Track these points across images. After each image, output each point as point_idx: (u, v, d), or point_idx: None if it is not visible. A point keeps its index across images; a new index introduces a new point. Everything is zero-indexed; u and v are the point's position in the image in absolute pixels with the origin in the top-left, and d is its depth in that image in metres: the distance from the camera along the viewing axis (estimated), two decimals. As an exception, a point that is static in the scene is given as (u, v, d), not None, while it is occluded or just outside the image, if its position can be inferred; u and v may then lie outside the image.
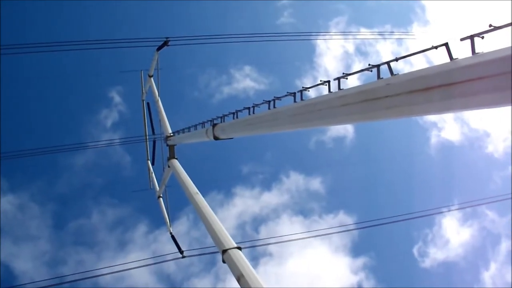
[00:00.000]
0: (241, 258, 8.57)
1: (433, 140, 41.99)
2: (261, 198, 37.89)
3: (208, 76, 39.88)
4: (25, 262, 30.33)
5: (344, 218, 36.59)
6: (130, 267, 16.86)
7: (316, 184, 38.63)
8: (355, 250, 36.15)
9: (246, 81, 39.21)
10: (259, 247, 21.05)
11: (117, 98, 35.18)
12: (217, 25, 40.94)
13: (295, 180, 38.47)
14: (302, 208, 38.14)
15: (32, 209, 32.50)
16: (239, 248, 8.93)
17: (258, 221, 36.67)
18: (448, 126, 41.74)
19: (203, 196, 11.56)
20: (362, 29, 41.92)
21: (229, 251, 8.81)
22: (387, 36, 28.16)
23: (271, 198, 37.91)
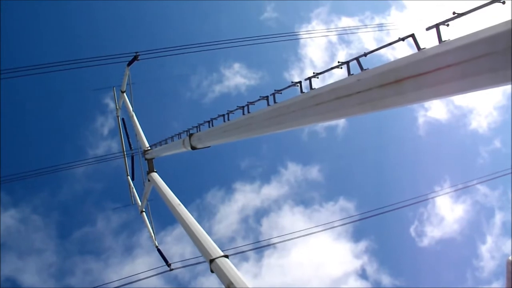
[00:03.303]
0: (229, 266, 8.50)
1: (421, 120, 42.82)
2: (262, 191, 38.03)
3: (199, 77, 39.97)
4: (32, 276, 29.79)
5: (344, 203, 36.98)
6: (119, 285, 16.55)
7: (314, 172, 38.97)
8: (356, 235, 36.52)
9: (237, 78, 39.42)
10: (262, 239, 20.95)
11: (109, 107, 34.71)
12: (200, 25, 40.97)
13: (293, 171, 38.76)
14: (302, 198, 38.47)
15: (35, 222, 32.01)
16: (226, 256, 8.86)
17: (261, 214, 36.65)
18: (433, 106, 42.56)
19: (192, 202, 11.42)
20: (344, 18, 42.50)
21: (216, 260, 8.73)
22: (369, 28, 28.66)
23: (271, 191, 38.09)
